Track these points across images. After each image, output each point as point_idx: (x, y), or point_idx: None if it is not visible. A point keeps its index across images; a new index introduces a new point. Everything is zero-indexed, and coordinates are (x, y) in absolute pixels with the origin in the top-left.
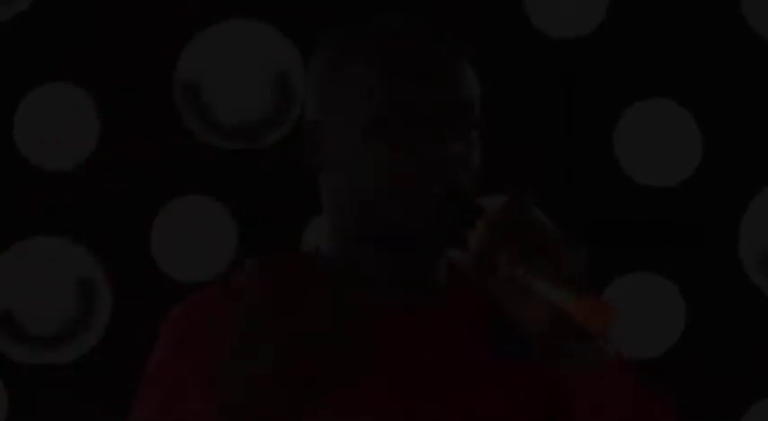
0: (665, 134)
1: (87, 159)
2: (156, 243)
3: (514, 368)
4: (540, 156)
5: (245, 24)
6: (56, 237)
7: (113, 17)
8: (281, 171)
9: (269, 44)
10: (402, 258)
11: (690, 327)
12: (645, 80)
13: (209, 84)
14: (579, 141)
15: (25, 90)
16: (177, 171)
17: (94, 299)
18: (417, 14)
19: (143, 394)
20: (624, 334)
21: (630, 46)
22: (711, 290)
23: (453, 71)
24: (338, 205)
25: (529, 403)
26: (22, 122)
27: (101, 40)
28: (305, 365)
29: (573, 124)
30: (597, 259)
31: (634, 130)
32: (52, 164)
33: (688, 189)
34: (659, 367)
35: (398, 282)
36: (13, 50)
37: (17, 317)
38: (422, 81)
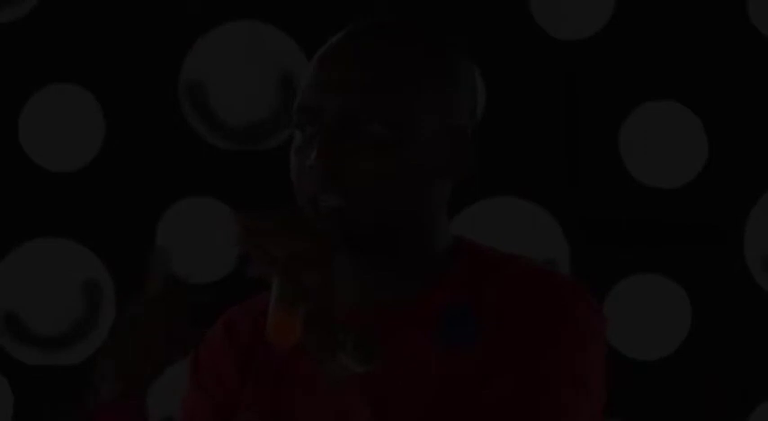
0: (671, 135)
1: (92, 161)
2: (160, 244)
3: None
4: (546, 157)
5: (249, 26)
6: (61, 239)
7: (118, 18)
8: (287, 173)
9: (273, 46)
10: (357, 264)
11: (695, 329)
12: (650, 81)
13: (213, 85)
14: (584, 142)
15: (30, 91)
16: (182, 173)
17: (100, 300)
18: (417, 15)
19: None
20: (629, 335)
21: (635, 47)
22: (717, 291)
23: (358, 75)
24: None
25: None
26: (27, 124)
27: (105, 41)
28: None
29: (578, 125)
30: (602, 260)
31: (639, 132)
32: (57, 165)
33: (693, 190)
34: (664, 368)
35: (363, 290)
36: (18, 52)
37: (23, 319)
38: (322, 87)
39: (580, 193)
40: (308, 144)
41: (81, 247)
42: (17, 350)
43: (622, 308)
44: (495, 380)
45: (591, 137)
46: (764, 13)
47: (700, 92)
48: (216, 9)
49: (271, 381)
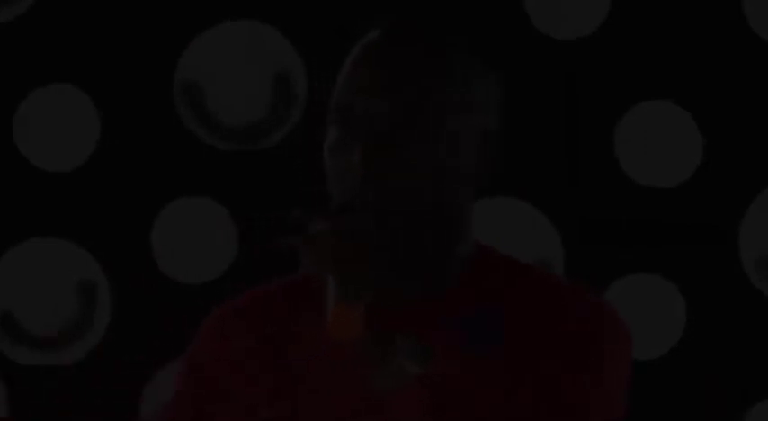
0: (666, 135)
1: (87, 161)
2: (156, 245)
3: (485, 376)
4: (542, 157)
5: (245, 26)
6: (56, 239)
7: (114, 18)
8: (282, 173)
9: (269, 46)
10: (374, 263)
11: (690, 328)
12: (646, 81)
13: (209, 85)
14: (580, 142)
15: (25, 91)
16: (177, 173)
17: (95, 300)
18: (417, 16)
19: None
20: None
21: (632, 47)
22: (711, 290)
23: (398, 78)
24: None
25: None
26: (22, 124)
27: (101, 41)
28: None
29: (574, 125)
30: (598, 260)
31: (635, 131)
32: (52, 165)
33: (688, 190)
34: (659, 368)
35: (386, 290)
36: (13, 51)
37: (18, 319)
38: (355, 88)
39: (576, 193)
40: (345, 143)
41: (76, 248)
42: (12, 350)
43: (618, 307)
44: (519, 392)
45: (587, 136)
46: (760, 13)
47: (695, 92)
48: (211, 9)
49: (272, 378)
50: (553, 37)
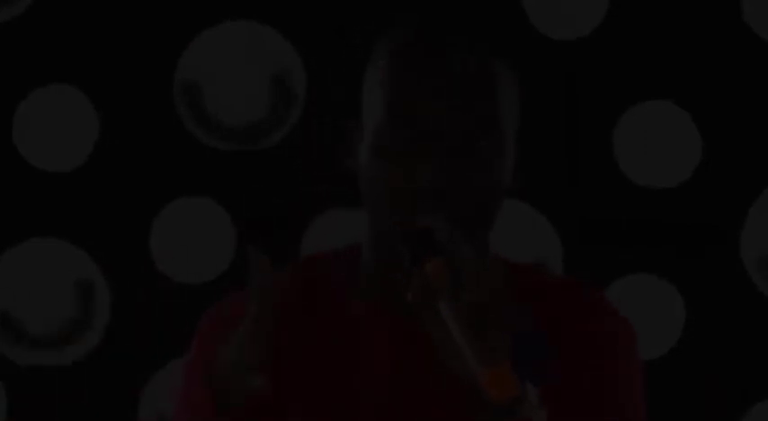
0: (665, 135)
1: (87, 161)
2: (154, 245)
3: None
4: (541, 157)
5: (244, 26)
6: (54, 239)
7: (114, 18)
8: (282, 173)
9: (269, 46)
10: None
11: (689, 329)
12: (644, 82)
13: (209, 85)
14: (580, 142)
15: (25, 91)
16: (176, 173)
17: (93, 300)
18: (417, 16)
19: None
20: None
21: (631, 47)
22: (711, 291)
23: (468, 87)
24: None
25: None
26: (21, 124)
27: (100, 41)
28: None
29: (573, 125)
30: (597, 260)
31: (634, 131)
32: (52, 165)
33: (688, 190)
34: (659, 368)
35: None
36: (12, 51)
37: (17, 319)
38: (425, 97)
39: (575, 193)
40: (408, 152)
41: (76, 248)
42: (10, 349)
43: (618, 307)
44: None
45: (586, 137)
46: (758, 12)
47: (695, 92)
48: (211, 9)
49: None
50: (552, 37)
